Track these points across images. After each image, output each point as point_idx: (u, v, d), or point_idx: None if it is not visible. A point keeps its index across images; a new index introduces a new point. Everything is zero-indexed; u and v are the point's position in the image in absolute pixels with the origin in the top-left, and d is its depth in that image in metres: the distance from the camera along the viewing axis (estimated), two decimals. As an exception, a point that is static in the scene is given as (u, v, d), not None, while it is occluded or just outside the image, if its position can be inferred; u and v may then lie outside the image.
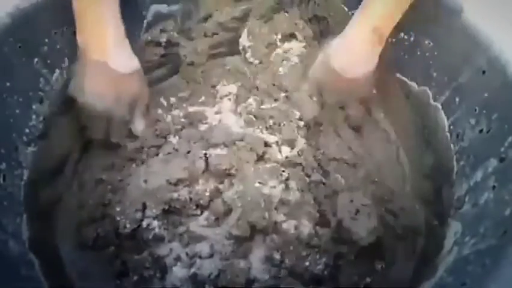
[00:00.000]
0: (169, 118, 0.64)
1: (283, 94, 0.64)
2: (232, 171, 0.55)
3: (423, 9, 0.55)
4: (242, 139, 0.58)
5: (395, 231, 0.55)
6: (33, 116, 0.52)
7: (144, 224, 0.52)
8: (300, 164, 0.58)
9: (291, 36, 0.69)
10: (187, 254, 0.51)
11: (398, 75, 0.61)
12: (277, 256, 0.50)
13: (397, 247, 0.54)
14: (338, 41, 0.58)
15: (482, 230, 0.42)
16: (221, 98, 0.67)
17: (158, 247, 0.52)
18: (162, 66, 0.70)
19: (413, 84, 0.59)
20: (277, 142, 0.59)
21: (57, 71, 0.55)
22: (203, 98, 0.67)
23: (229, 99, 0.67)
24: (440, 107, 0.55)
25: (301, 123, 0.62)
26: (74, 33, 0.56)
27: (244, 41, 0.70)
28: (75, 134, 0.59)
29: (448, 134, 0.53)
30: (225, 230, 0.52)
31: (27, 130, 0.52)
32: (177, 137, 0.61)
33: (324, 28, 0.68)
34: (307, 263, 0.50)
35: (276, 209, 0.53)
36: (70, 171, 0.59)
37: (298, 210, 0.54)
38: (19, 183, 0.50)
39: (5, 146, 0.48)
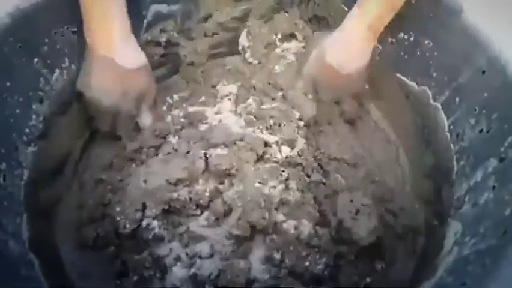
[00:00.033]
0: (168, 118, 0.64)
1: (280, 93, 0.65)
2: (232, 171, 0.55)
3: (423, 9, 0.55)
4: (242, 139, 0.58)
5: (395, 231, 0.55)
6: (33, 116, 0.52)
7: (144, 224, 0.52)
8: (300, 164, 0.58)
9: (291, 36, 0.69)
10: (187, 254, 0.51)
11: (398, 75, 0.61)
12: (277, 256, 0.50)
13: (397, 247, 0.54)
14: (333, 37, 0.59)
15: (482, 230, 0.42)
16: (221, 98, 0.67)
17: (158, 247, 0.52)
18: (162, 66, 0.70)
19: (413, 84, 0.59)
20: (277, 142, 0.59)
21: (57, 71, 0.55)
22: (203, 98, 0.67)
23: (229, 99, 0.67)
24: (440, 107, 0.55)
25: (301, 123, 0.62)
26: (74, 33, 0.56)
27: (243, 41, 0.70)
28: (78, 129, 0.60)
29: (448, 134, 0.53)
30: (225, 230, 0.52)
31: (27, 130, 0.52)
32: (177, 137, 0.61)
33: (324, 28, 0.68)
34: (307, 263, 0.50)
35: (276, 209, 0.53)
36: (70, 171, 0.59)
37: (298, 210, 0.53)
38: (19, 183, 0.50)
39: (5, 146, 0.48)
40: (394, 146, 0.65)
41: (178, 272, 0.50)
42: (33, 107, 0.52)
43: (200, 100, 0.67)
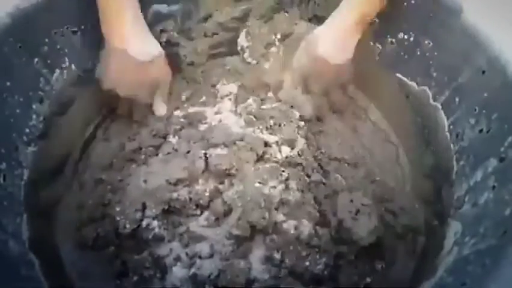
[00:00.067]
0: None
1: (269, 93, 0.66)
2: (232, 171, 0.55)
3: (423, 9, 0.55)
4: (242, 139, 0.58)
5: (395, 231, 0.55)
6: (33, 116, 0.53)
7: (144, 224, 0.52)
8: (300, 164, 0.58)
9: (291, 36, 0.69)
10: (187, 254, 0.51)
11: (398, 75, 0.62)
12: (277, 256, 0.50)
13: (397, 247, 0.54)
14: (322, 29, 0.60)
15: (482, 230, 0.42)
16: (221, 97, 0.67)
17: (158, 247, 0.52)
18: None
19: (413, 84, 0.59)
20: (277, 142, 0.59)
21: (57, 71, 0.55)
22: (203, 98, 0.67)
23: (230, 99, 0.67)
24: (440, 107, 0.55)
25: (302, 123, 0.62)
26: (74, 32, 0.56)
27: (242, 41, 0.70)
28: (96, 108, 0.64)
29: (448, 134, 0.53)
30: (225, 230, 0.52)
31: (27, 130, 0.52)
32: (177, 137, 0.61)
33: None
34: (307, 263, 0.50)
35: (276, 209, 0.53)
36: (70, 171, 0.59)
37: (298, 210, 0.53)
38: (19, 183, 0.50)
39: (5, 146, 0.48)
40: (394, 146, 0.65)
41: (178, 272, 0.50)
42: (33, 107, 0.52)
43: (200, 100, 0.67)
